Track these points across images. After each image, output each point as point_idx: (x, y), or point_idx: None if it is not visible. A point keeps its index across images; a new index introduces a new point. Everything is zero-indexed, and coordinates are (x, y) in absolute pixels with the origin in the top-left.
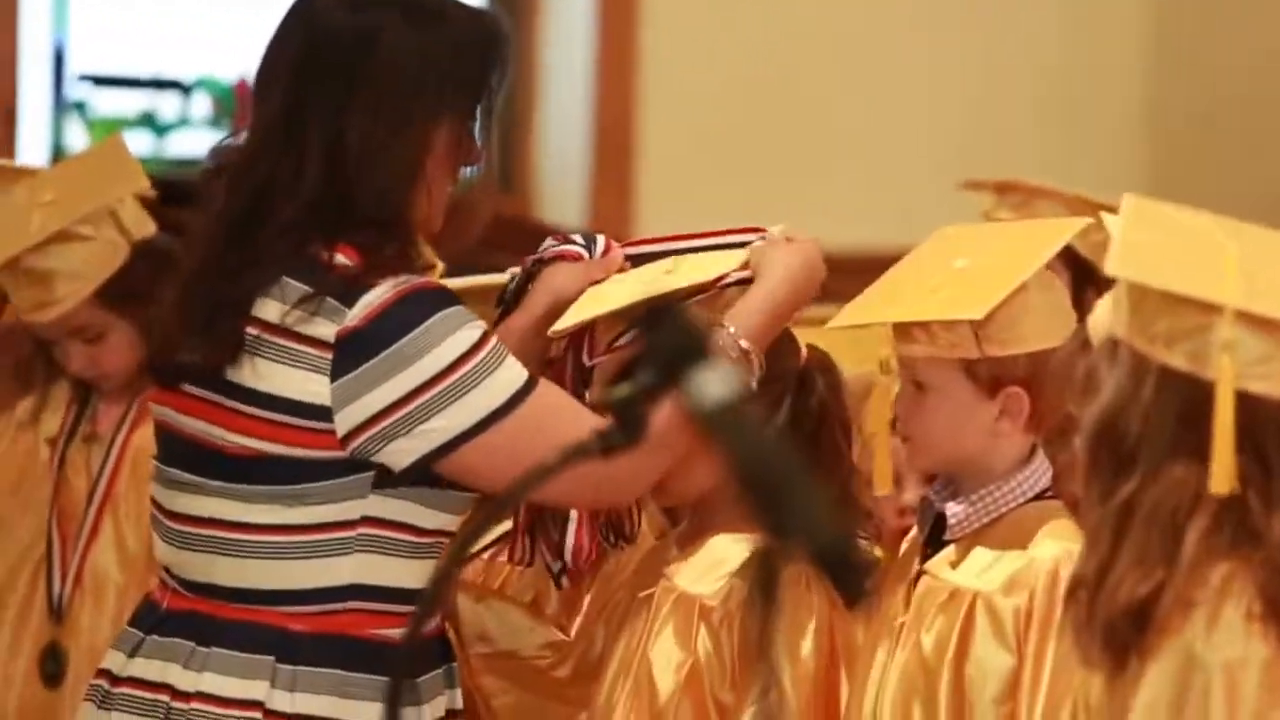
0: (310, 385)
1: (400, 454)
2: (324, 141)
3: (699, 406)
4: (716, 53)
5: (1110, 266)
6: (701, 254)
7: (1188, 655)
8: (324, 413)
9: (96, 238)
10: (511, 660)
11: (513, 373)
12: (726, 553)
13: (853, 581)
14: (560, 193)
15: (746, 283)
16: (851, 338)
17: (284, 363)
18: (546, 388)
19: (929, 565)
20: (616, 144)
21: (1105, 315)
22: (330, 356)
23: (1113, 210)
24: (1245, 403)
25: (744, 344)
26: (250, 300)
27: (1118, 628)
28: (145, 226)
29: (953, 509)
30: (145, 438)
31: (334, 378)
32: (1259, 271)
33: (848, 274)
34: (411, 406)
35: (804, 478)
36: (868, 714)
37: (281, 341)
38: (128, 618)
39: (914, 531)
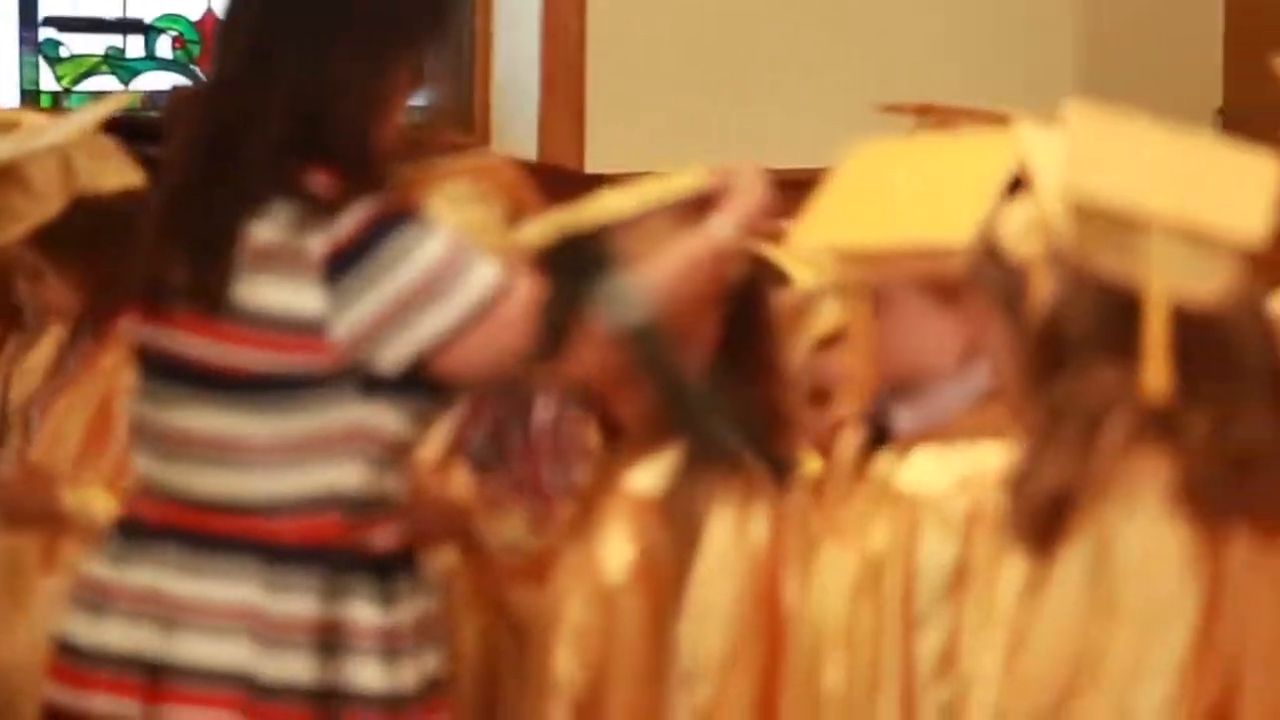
0: (302, 298)
1: (392, 357)
2: (293, 77)
3: (615, 318)
4: None
5: (1065, 174)
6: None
7: (1104, 539)
8: (317, 324)
9: (36, 179)
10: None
11: (490, 270)
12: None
13: (770, 475)
14: (514, 127)
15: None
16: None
17: (275, 278)
18: (524, 282)
19: (874, 468)
20: (566, 78)
21: (1018, 220)
22: (320, 270)
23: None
24: (1172, 308)
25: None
26: (236, 221)
27: (1040, 516)
28: (98, 179)
29: (899, 415)
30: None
31: (325, 289)
32: (1195, 181)
33: (790, 193)
34: (399, 310)
35: (718, 382)
36: (815, 612)
37: (272, 258)
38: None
39: (850, 435)
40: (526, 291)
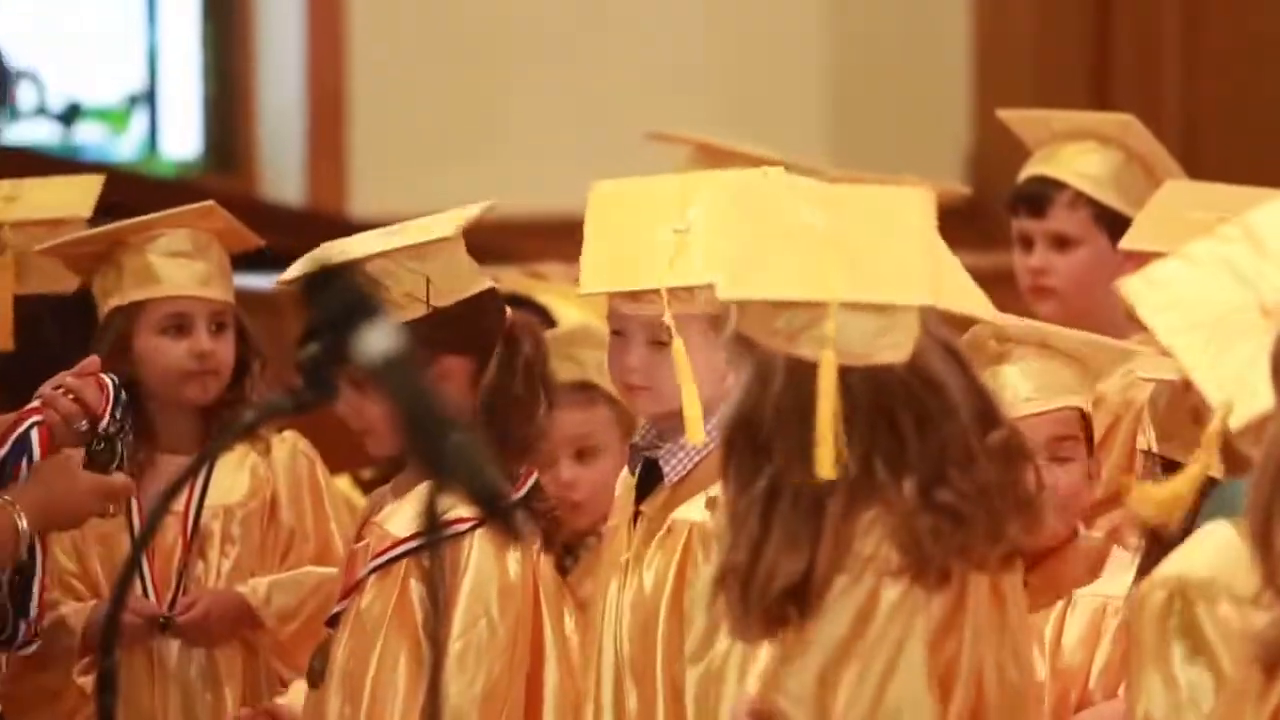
0: None
1: None
2: None
3: (365, 359)
4: (425, 25)
5: (719, 291)
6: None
7: (847, 607)
8: None
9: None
10: None
11: None
12: None
13: (505, 521)
14: (279, 170)
15: None
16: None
17: None
18: None
19: (644, 505)
20: (330, 120)
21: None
22: None
23: (795, 168)
24: (872, 376)
25: None
26: None
27: (776, 607)
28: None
29: (666, 459)
30: None
31: None
32: (858, 252)
33: (552, 238)
34: None
35: (463, 424)
36: (609, 645)
37: None
38: None
39: (625, 474)
40: None
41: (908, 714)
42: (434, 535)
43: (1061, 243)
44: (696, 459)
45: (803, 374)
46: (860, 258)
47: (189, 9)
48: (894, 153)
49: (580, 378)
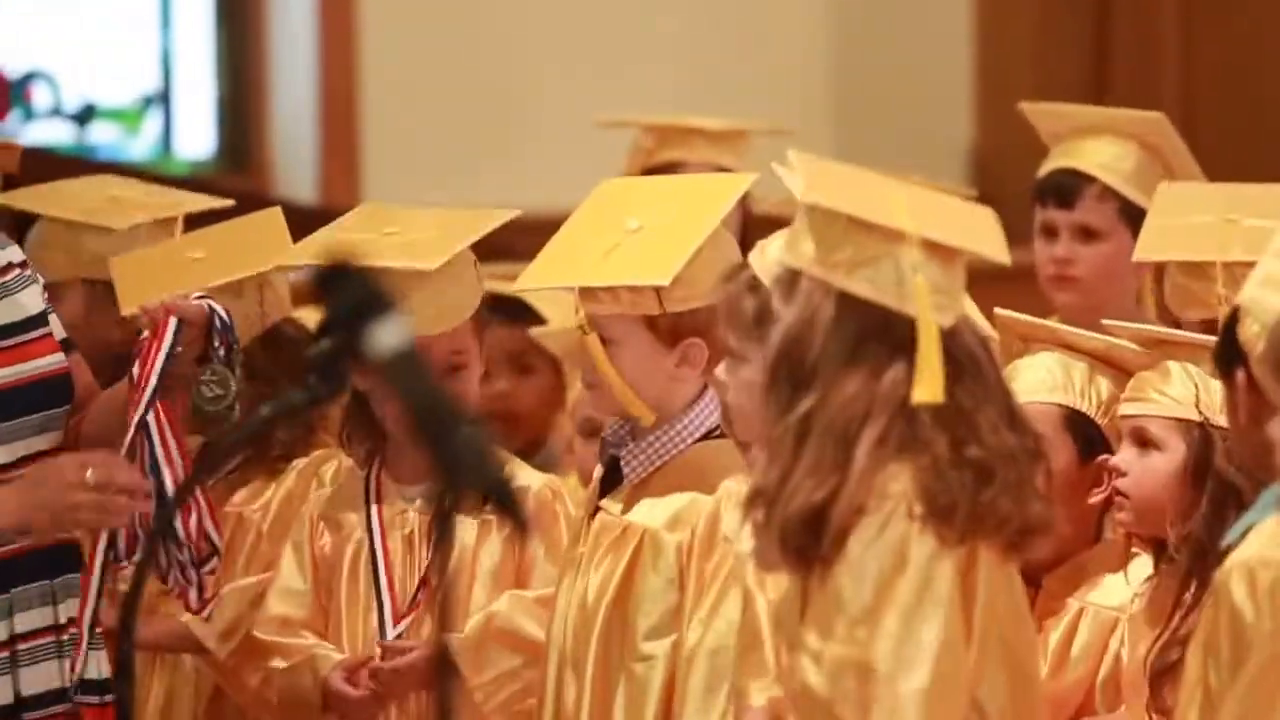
0: None
1: None
2: None
3: (374, 354)
4: (437, 24)
5: (801, 194)
6: None
7: (860, 553)
8: None
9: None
10: None
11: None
12: None
13: (513, 513)
14: (292, 169)
15: None
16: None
17: None
18: None
19: (604, 502)
20: (342, 119)
21: (774, 254)
22: None
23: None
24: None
25: None
26: None
27: (793, 532)
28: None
29: (628, 459)
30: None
31: None
32: (927, 213)
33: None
34: None
35: (470, 420)
36: (557, 636)
37: None
38: None
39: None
40: None
41: (945, 656)
42: (444, 526)
43: (1088, 234)
44: (658, 463)
45: (853, 309)
46: (931, 216)
47: (202, 10)
48: (897, 151)
49: None
